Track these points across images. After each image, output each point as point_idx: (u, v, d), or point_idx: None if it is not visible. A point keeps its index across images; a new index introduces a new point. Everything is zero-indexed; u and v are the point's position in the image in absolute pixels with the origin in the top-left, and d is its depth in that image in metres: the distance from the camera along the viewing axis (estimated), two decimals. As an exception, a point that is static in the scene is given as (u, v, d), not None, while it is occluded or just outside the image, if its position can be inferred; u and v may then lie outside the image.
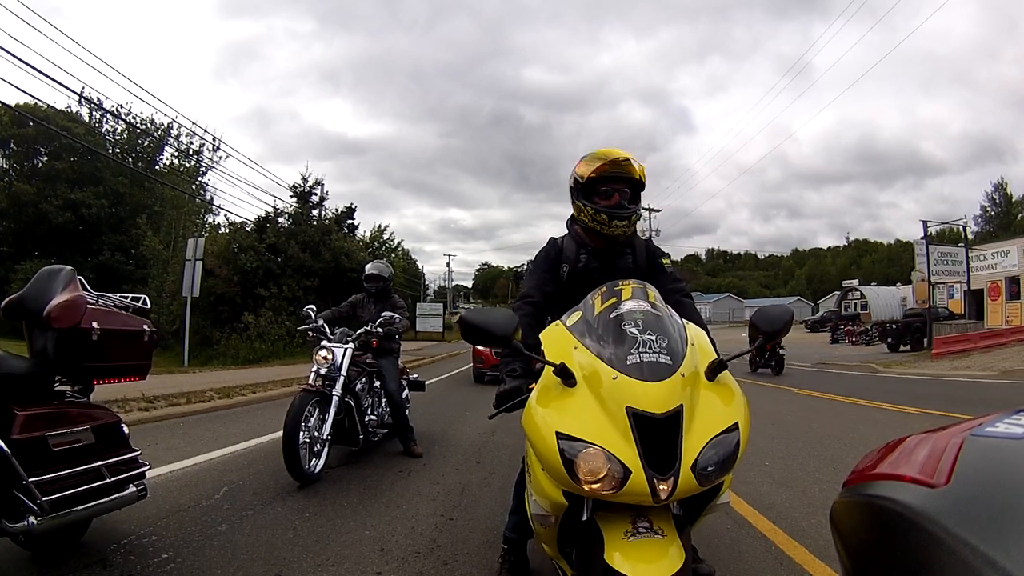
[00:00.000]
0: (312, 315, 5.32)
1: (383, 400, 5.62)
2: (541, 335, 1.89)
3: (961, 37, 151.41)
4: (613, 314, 1.67)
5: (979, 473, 0.71)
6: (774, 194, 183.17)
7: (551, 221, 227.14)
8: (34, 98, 19.14)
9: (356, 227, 28.62)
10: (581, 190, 2.34)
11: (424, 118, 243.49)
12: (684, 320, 1.79)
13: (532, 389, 1.76)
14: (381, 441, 5.61)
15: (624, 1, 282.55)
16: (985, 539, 0.59)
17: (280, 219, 23.37)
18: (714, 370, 1.60)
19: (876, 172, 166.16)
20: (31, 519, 2.29)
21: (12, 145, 39.88)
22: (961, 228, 27.78)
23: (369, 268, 5.92)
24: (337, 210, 26.37)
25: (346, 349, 4.96)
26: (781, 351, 14.94)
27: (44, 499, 2.32)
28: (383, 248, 37.91)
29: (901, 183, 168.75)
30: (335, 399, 4.70)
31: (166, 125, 40.04)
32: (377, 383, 5.62)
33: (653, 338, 1.56)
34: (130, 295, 3.17)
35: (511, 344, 1.75)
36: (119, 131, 42.18)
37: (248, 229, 22.81)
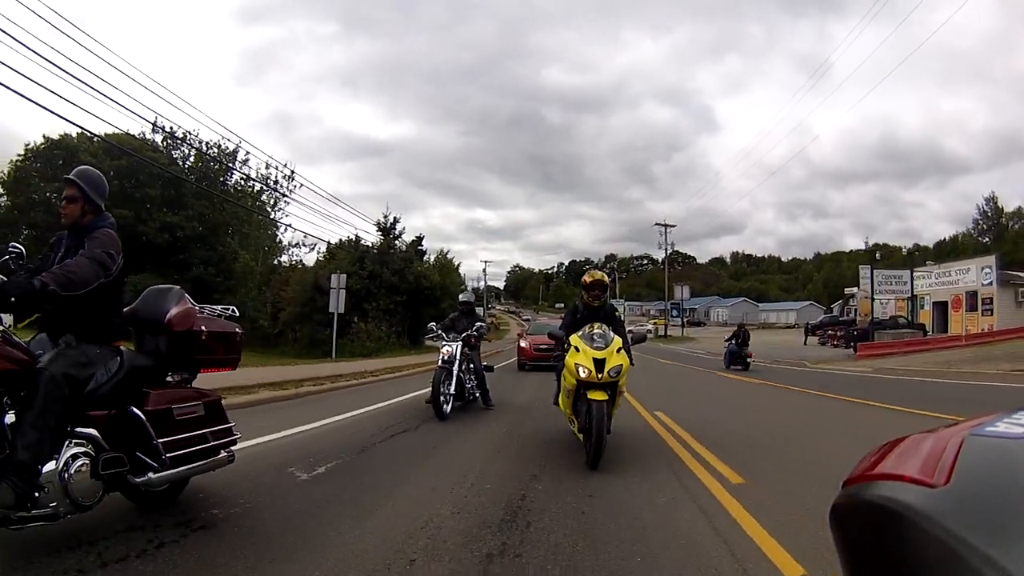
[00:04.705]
0: (434, 328, 8.61)
1: (473, 375, 8.58)
2: (570, 338, 5.44)
3: (982, 31, 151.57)
4: (590, 333, 5.37)
5: (979, 473, 0.71)
6: (798, 193, 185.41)
7: (577, 221, 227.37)
8: (116, 128, 22.99)
9: (425, 252, 36.28)
10: (583, 287, 6.09)
11: (446, 119, 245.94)
12: (615, 335, 5.38)
13: (567, 354, 5.41)
14: (472, 400, 8.66)
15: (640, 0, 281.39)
16: (985, 539, 0.60)
17: (368, 246, 30.71)
18: (618, 350, 5.24)
19: (900, 170, 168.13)
20: (150, 474, 2.92)
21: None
22: (911, 250, 32.56)
23: (462, 296, 9.60)
24: (410, 240, 34.22)
25: (458, 345, 8.01)
26: (749, 360, 19.13)
27: (167, 455, 2.98)
28: (449, 267, 44.10)
29: (926, 182, 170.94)
30: (455, 372, 7.79)
31: (231, 150, 44.05)
32: (471, 365, 8.57)
33: (600, 340, 5.24)
34: (219, 306, 3.99)
35: (563, 340, 5.71)
36: (190, 156, 45.90)
37: (348, 262, 29.81)
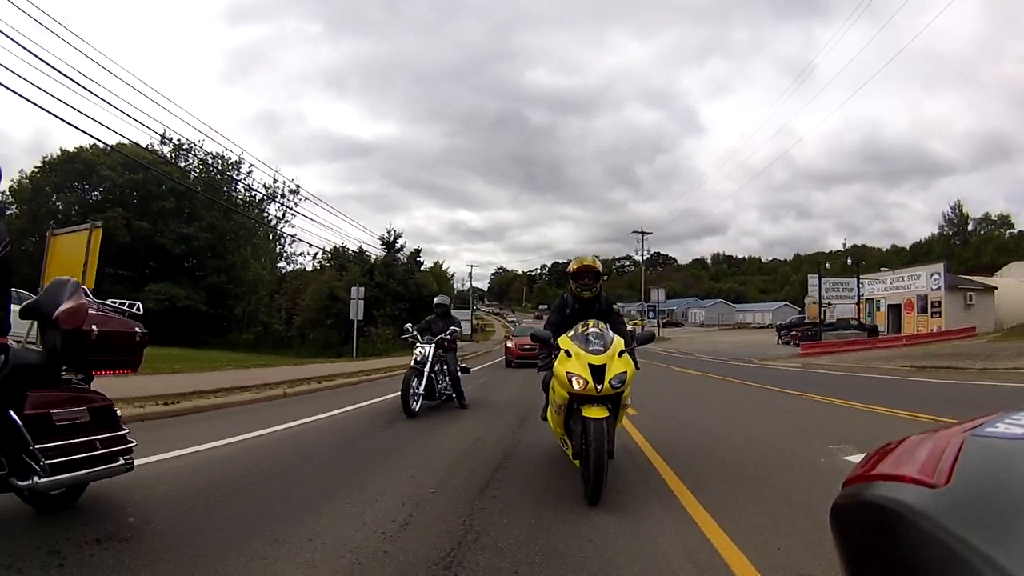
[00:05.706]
0: (410, 328, 8.90)
1: (447, 376, 8.77)
2: (559, 340, 4.47)
3: (966, 34, 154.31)
4: (584, 332, 4.33)
5: (979, 473, 0.71)
6: (782, 195, 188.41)
7: (561, 222, 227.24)
8: (127, 139, 24.73)
9: (422, 263, 40.98)
10: (570, 276, 5.23)
11: (431, 119, 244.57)
12: (615, 335, 4.39)
13: (554, 360, 4.38)
14: (445, 400, 8.82)
15: (628, 3, 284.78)
16: (985, 539, 0.60)
17: (373, 260, 34.79)
18: (620, 353, 4.19)
19: (883, 172, 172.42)
20: (35, 478, 2.78)
21: (99, 187, 42.29)
22: (856, 260, 35.84)
23: (437, 300, 9.69)
24: (410, 251, 38.58)
25: (431, 347, 8.22)
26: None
27: (46, 462, 2.80)
28: (443, 277, 48.20)
29: (909, 184, 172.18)
30: (425, 373, 8.02)
31: (235, 160, 45.22)
32: (446, 366, 8.78)
33: (597, 341, 4.17)
34: (127, 302, 3.63)
35: (550, 343, 4.69)
36: (196, 166, 46.10)
37: (359, 274, 33.61)
